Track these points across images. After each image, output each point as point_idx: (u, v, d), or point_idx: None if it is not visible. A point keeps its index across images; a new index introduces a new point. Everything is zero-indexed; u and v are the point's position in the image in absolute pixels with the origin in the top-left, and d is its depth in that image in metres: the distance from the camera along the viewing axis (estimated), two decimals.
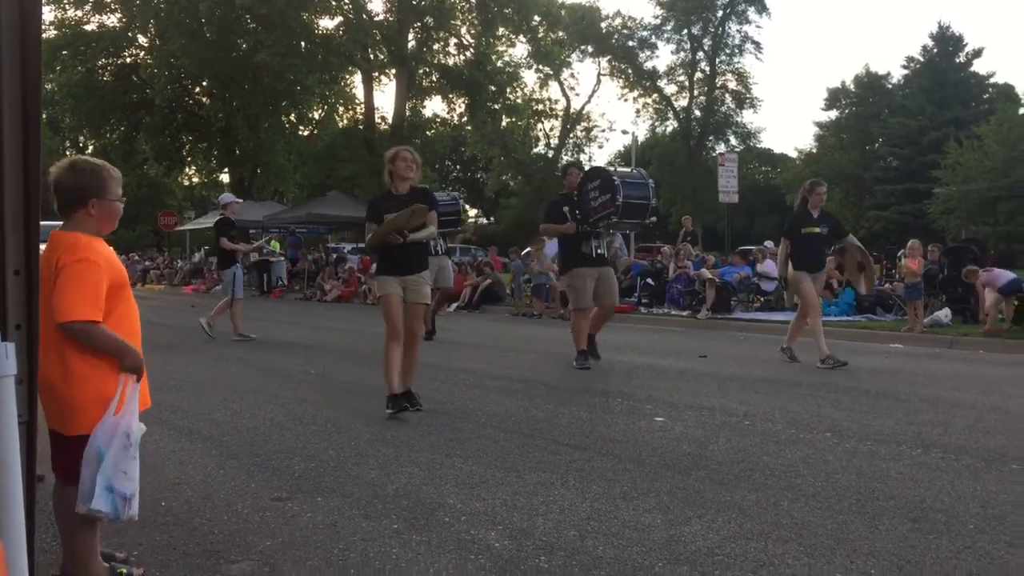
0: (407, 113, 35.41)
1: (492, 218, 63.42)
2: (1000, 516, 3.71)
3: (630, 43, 53.87)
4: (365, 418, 6.07)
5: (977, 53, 47.46)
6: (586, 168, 9.79)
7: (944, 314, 12.98)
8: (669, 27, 53.41)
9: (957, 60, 47.17)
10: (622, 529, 3.56)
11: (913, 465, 4.63)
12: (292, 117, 36.95)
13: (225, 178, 40.06)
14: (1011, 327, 12.04)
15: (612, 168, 9.03)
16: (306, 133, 38.78)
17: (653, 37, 54.00)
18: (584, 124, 55.12)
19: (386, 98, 78.02)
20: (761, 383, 7.65)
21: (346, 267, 24.16)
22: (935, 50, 47.40)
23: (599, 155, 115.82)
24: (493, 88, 36.32)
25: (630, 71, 54.01)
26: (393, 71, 35.12)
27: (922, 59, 47.98)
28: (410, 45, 35.37)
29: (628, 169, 9.32)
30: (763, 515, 3.74)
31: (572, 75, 58.88)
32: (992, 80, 48.56)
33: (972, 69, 47.55)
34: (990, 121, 37.47)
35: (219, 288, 28.87)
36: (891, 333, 12.55)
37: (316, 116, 38.59)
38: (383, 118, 38.01)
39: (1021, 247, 33.48)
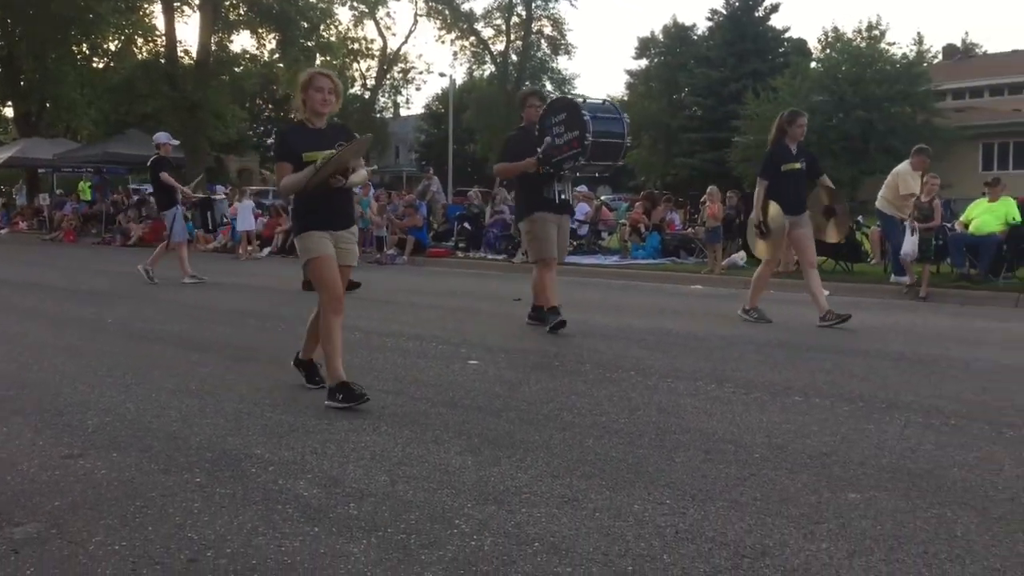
0: (213, 48, 33.58)
1: None
2: (782, 445, 4.00)
3: None
4: (167, 368, 5.79)
5: (774, 8, 49.94)
6: (550, 98, 8.31)
7: (740, 256, 13.82)
8: None
9: (756, 14, 49.51)
10: (433, 472, 3.59)
11: (708, 399, 4.92)
12: (84, 48, 34.17)
13: (9, 112, 36.79)
14: (796, 268, 12.96)
15: (581, 100, 7.71)
16: (101, 65, 36.01)
17: None
18: (401, 65, 54.40)
19: (190, 31, 73.83)
20: (572, 325, 7.87)
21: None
22: (736, 4, 49.59)
23: (417, 98, 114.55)
24: (305, 24, 35.03)
25: (447, 12, 53.49)
26: (196, 2, 33.15)
27: (724, 12, 50.08)
28: None
29: (599, 100, 7.96)
30: (569, 453, 3.87)
31: (388, 14, 57.94)
32: (787, 35, 51.39)
33: (769, 23, 50.13)
34: (784, 74, 39.74)
35: (4, 232, 26.82)
36: (692, 275, 13.22)
37: (112, 47, 35.88)
38: (187, 52, 35.82)
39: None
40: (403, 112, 59.51)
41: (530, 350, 6.55)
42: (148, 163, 12.43)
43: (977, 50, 60.71)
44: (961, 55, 56.66)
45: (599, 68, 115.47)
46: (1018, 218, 11.18)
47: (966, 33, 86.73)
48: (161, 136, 12.34)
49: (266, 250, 18.18)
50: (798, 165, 8.05)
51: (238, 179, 50.92)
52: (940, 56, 53.21)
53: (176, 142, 13.27)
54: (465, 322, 8.20)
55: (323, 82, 4.78)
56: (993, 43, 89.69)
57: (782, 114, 8.32)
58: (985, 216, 11.32)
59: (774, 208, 8.06)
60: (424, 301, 9.86)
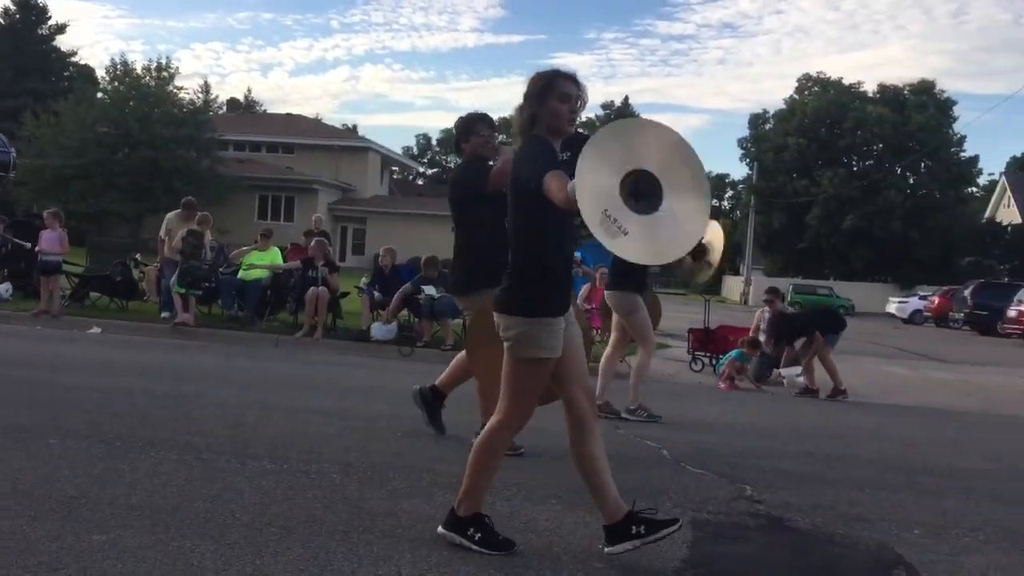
0: None
1: None
2: (28, 491, 3.79)
3: None
4: None
5: (60, 29, 47.59)
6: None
7: (5, 288, 12.70)
8: None
9: (40, 32, 46.54)
10: None
11: None
12: None
13: None
14: (70, 304, 12.42)
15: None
16: None
17: None
18: None
19: None
20: None
21: None
22: (18, 16, 45.95)
23: None
24: None
25: None
26: None
27: (3, 22, 45.98)
28: None
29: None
30: None
31: None
32: (75, 59, 49.27)
33: (55, 43, 47.45)
34: (69, 99, 37.84)
35: None
36: None
37: None
38: None
39: (87, 225, 34.45)
40: None
41: None
42: None
43: (258, 108, 65.83)
44: (244, 110, 60.82)
45: None
46: (280, 261, 12.34)
47: (249, 90, 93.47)
48: None
49: None
50: None
51: None
52: (225, 108, 56.26)
53: None
54: None
55: (571, 88, 3.33)
56: (273, 105, 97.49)
57: None
58: (255, 263, 12.23)
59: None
60: None
